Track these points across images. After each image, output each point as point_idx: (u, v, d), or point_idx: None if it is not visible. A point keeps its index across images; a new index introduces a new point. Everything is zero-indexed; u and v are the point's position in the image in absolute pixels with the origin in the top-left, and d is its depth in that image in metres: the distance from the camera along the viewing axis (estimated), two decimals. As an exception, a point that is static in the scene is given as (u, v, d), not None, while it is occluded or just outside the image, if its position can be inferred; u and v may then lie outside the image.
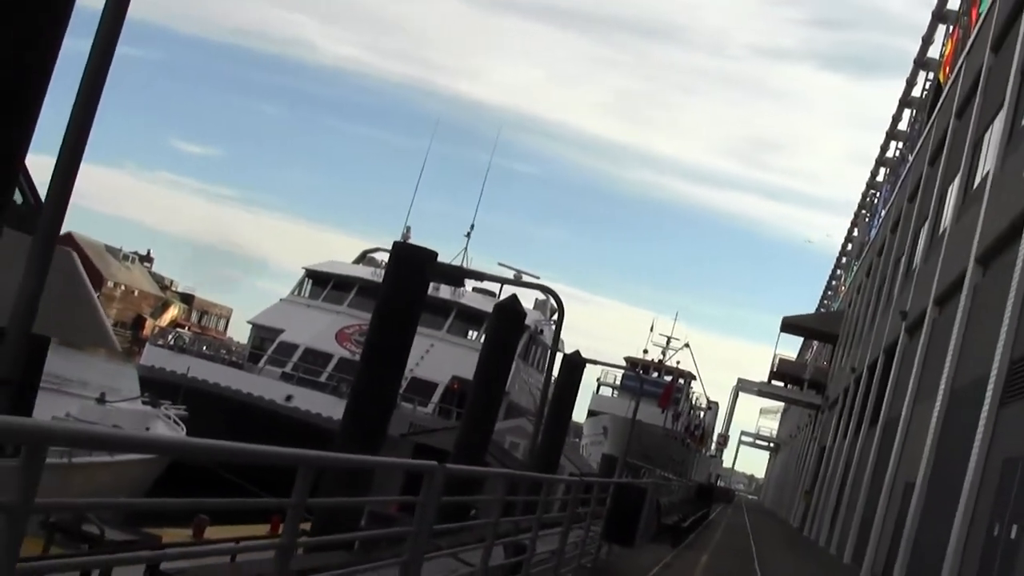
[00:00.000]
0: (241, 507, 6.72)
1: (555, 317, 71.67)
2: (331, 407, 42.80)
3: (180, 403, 36.15)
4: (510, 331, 24.73)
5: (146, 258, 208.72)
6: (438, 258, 18.50)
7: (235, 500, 6.55)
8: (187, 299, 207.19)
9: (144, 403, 35.10)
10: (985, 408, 26.86)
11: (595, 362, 34.91)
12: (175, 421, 31.26)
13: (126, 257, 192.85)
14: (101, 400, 29.38)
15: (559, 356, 37.31)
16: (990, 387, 26.91)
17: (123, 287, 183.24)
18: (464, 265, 63.35)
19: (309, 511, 13.79)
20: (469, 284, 63.28)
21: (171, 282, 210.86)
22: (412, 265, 17.59)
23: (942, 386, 33.85)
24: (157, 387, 43.71)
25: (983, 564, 24.21)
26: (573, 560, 19.82)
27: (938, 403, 33.84)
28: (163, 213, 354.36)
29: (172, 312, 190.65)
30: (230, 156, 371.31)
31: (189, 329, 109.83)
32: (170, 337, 55.81)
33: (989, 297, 31.27)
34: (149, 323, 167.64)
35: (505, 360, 24.76)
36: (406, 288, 17.78)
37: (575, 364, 34.72)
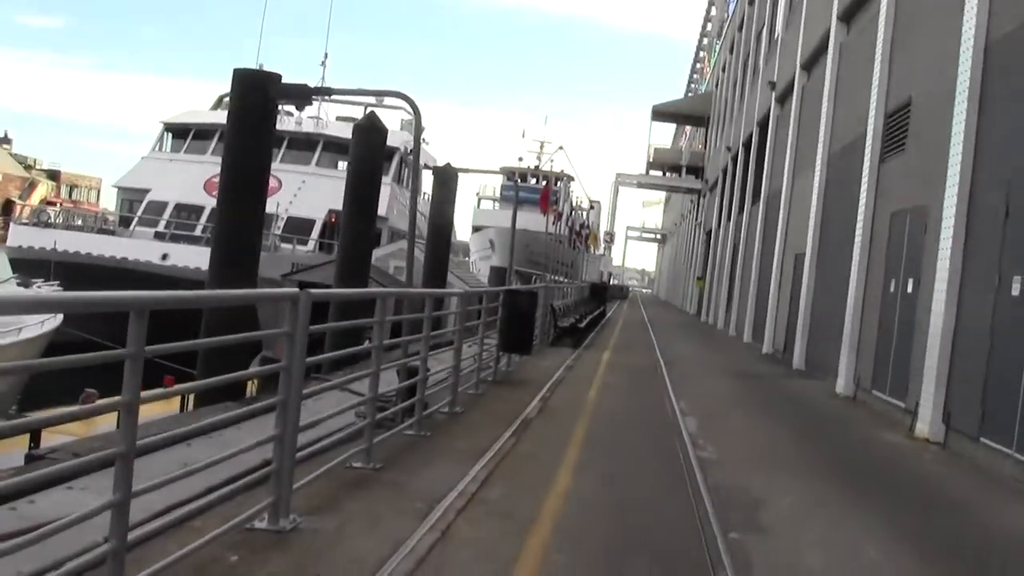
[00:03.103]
0: (79, 364, 5.82)
1: (423, 135, 70.61)
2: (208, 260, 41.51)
3: (53, 278, 34.91)
4: (372, 150, 23.69)
5: (4, 140, 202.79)
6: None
7: (73, 357, 5.65)
8: (54, 176, 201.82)
9: (18, 284, 33.86)
10: (866, 166, 26.63)
11: (466, 170, 33.92)
12: (48, 296, 29.98)
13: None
14: (-33, 286, 28.14)
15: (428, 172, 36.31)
16: (868, 144, 26.69)
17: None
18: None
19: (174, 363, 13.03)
20: (332, 114, 61.96)
21: (34, 161, 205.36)
22: (255, 89, 16.44)
23: (820, 151, 33.68)
24: (28, 266, 42.37)
25: (883, 321, 24.10)
26: (472, 375, 19.23)
27: (818, 169, 33.67)
28: (15, 91, 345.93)
29: (41, 191, 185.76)
30: (77, 24, 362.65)
31: (61, 205, 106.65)
32: (33, 213, 53.83)
33: (856, 54, 30.96)
34: (19, 205, 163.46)
35: (372, 180, 23.77)
36: (252, 113, 16.68)
37: (447, 176, 33.70)
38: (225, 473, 9.32)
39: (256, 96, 16.35)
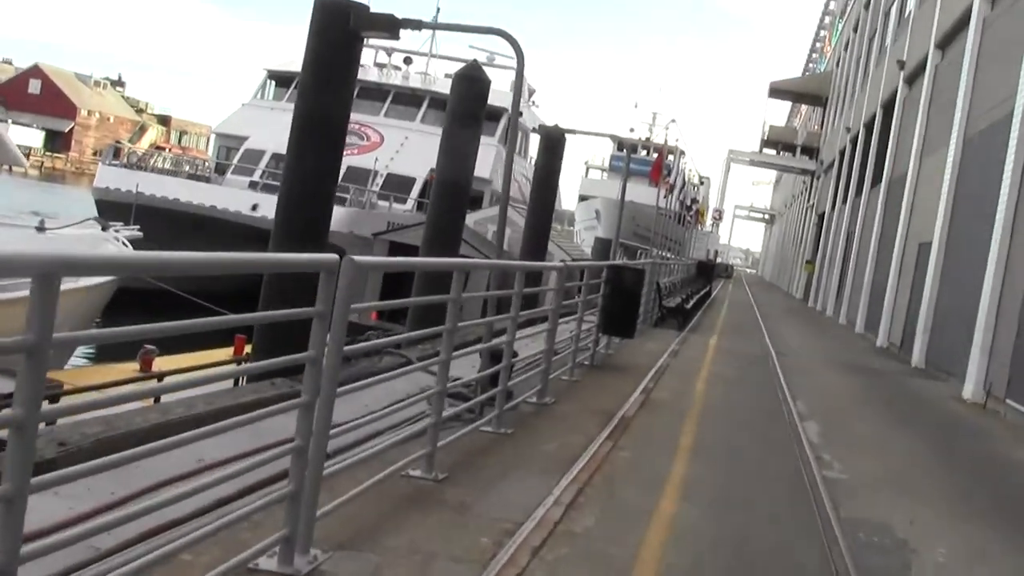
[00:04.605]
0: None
1: (532, 98, 68.31)
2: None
3: (133, 223, 33.19)
4: (473, 101, 21.54)
5: (118, 83, 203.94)
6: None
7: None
8: (164, 121, 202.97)
9: (100, 227, 32.11)
10: (1011, 151, 24.32)
11: (574, 131, 31.66)
12: (123, 243, 28.20)
13: (97, 84, 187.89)
14: (41, 228, 26.37)
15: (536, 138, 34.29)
16: (1015, 127, 24.35)
17: (98, 114, 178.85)
18: (433, 51, 60.22)
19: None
20: (440, 71, 60.13)
21: (146, 105, 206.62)
22: (337, 19, 14.25)
23: (955, 134, 31.39)
24: (114, 209, 40.81)
25: (1024, 323, 21.78)
26: (567, 359, 17.12)
27: (951, 152, 31.43)
28: (133, 36, 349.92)
29: (151, 135, 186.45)
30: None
31: (170, 150, 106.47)
32: (123, 154, 52.22)
33: (1002, 30, 28.80)
34: (128, 148, 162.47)
35: (470, 135, 21.60)
36: (333, 48, 14.51)
37: (555, 138, 31.35)
38: (243, 480, 7.36)
39: (338, 28, 14.19)
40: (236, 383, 15.10)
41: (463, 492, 8.97)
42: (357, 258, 6.27)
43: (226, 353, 21.32)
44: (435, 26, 15.60)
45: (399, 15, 14.00)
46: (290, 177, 15.14)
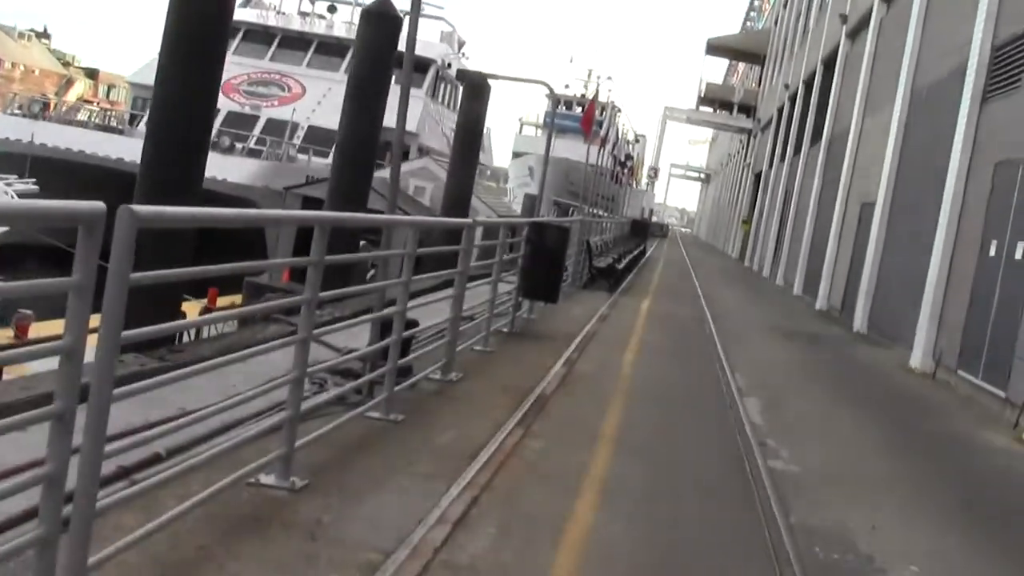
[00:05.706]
0: None
1: (462, 50, 66.64)
2: (218, 166, 37.23)
3: (29, 175, 31.14)
4: (383, 43, 19.59)
5: (44, 35, 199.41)
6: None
7: None
8: (92, 74, 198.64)
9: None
10: (964, 107, 22.83)
11: (497, 76, 29.70)
12: (12, 196, 26.12)
13: (22, 35, 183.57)
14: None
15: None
16: (968, 82, 22.89)
17: (22, 67, 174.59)
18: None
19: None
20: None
21: (73, 58, 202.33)
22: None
23: (900, 89, 30.08)
24: (11, 161, 38.65)
25: (979, 290, 20.29)
26: (480, 326, 15.23)
27: (896, 109, 29.95)
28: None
29: (78, 89, 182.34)
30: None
31: (98, 104, 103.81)
32: (23, 104, 49.70)
33: None
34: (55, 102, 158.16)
35: (380, 80, 19.66)
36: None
37: (478, 84, 29.37)
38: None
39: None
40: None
41: (322, 506, 7.05)
42: (137, 208, 4.43)
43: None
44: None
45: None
46: (158, 109, 13.06)
